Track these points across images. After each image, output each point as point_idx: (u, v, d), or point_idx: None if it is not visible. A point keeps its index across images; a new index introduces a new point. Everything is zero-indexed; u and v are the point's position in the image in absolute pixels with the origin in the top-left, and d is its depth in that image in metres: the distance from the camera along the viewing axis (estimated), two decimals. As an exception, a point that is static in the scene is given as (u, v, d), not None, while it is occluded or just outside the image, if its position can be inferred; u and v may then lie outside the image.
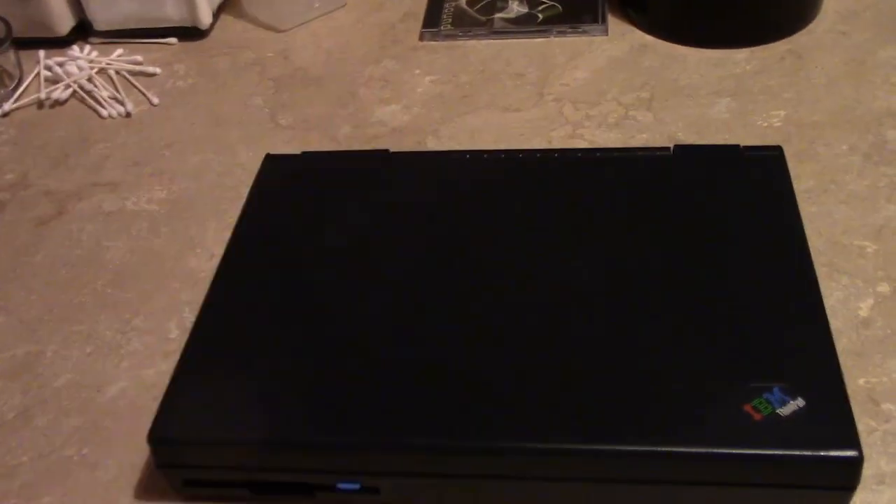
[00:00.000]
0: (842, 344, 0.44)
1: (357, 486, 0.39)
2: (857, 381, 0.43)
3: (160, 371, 0.48)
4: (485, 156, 0.51)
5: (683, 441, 0.36)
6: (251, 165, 0.60)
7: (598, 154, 0.50)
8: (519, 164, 0.50)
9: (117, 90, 0.68)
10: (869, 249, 0.49)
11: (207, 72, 0.69)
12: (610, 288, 0.42)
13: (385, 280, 0.44)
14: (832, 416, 0.36)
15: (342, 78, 0.67)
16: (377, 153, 0.52)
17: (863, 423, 0.41)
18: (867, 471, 0.39)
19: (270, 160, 0.52)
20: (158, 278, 0.53)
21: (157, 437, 0.39)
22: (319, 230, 0.47)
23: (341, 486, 0.39)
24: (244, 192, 0.57)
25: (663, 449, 0.36)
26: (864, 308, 0.46)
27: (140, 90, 0.68)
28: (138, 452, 0.44)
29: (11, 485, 0.43)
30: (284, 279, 0.45)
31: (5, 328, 0.51)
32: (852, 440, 0.35)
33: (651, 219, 0.45)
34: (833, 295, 0.47)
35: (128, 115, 0.66)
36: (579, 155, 0.50)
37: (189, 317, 0.50)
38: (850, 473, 0.35)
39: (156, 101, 0.67)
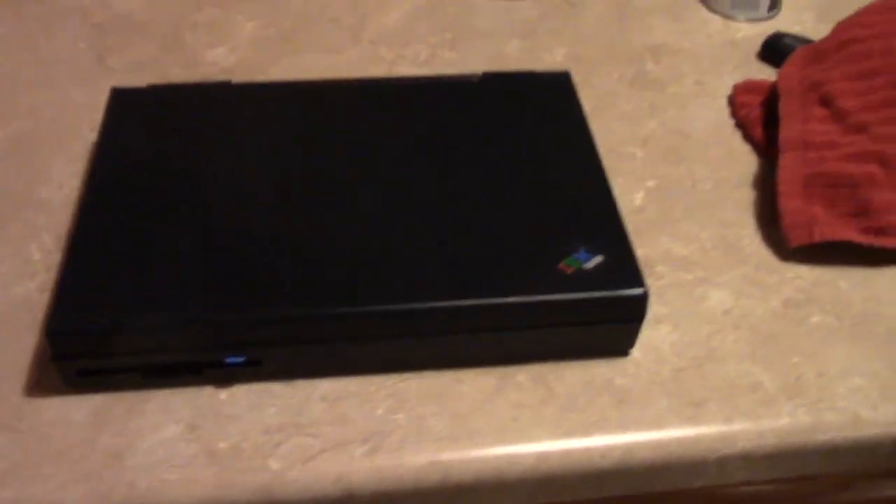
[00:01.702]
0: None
1: (242, 359, 0.45)
2: (637, 253, 0.54)
3: (28, 289, 0.50)
4: (319, 84, 0.57)
5: (517, 292, 0.45)
6: (88, 103, 0.63)
7: (420, 82, 0.58)
8: (351, 91, 0.57)
9: (-70, 36, 0.67)
10: (638, 155, 0.61)
11: (24, 17, 0.70)
12: (441, 187, 0.50)
13: (241, 184, 0.50)
14: (624, 266, 0.46)
15: (166, 24, 0.70)
16: (220, 84, 0.57)
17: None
18: (648, 315, 0.50)
19: (118, 93, 0.56)
20: (10, 209, 0.55)
21: (54, 329, 0.42)
22: (175, 150, 0.52)
23: (229, 360, 0.45)
24: (85, 127, 0.61)
25: (503, 300, 0.45)
26: (638, 198, 0.57)
27: (-46, 36, 0.68)
28: (19, 354, 0.47)
29: None
30: (150, 189, 0.49)
31: None
32: (640, 282, 0.46)
33: (468, 132, 0.54)
34: (613, 190, 0.58)
35: (-55, 60, 0.66)
36: (404, 83, 0.58)
37: (49, 240, 0.53)
38: (638, 307, 0.46)
39: (-27, 46, 0.67)
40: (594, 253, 0.47)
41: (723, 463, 0.46)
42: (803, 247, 0.53)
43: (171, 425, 0.44)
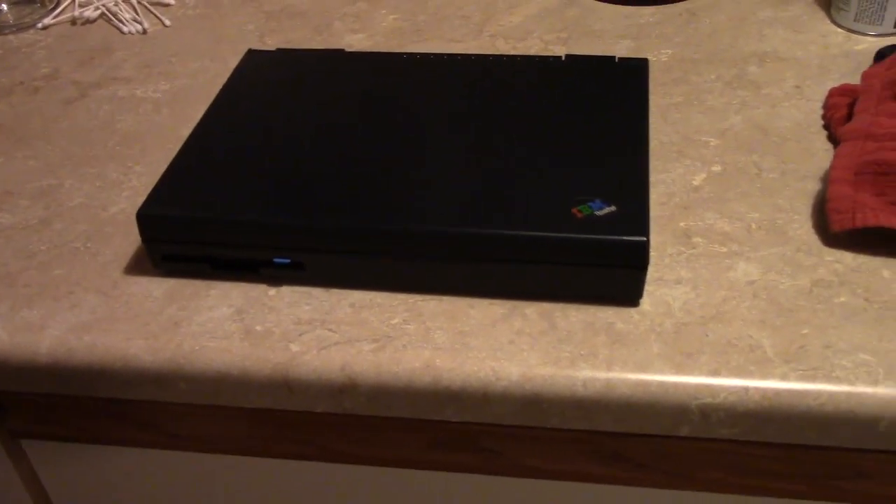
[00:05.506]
0: (674, 201, 0.58)
1: (287, 261, 0.52)
2: (678, 224, 0.56)
3: (151, 199, 0.61)
4: (417, 56, 0.65)
5: (523, 228, 0.49)
6: (239, 70, 0.74)
7: (504, 59, 0.64)
8: (444, 63, 0.64)
9: (137, 13, 0.82)
10: (712, 143, 0.62)
11: (212, 4, 0.84)
12: (494, 139, 0.56)
13: (322, 127, 0.58)
14: (632, 218, 0.49)
15: (322, 13, 0.81)
16: (335, 51, 0.66)
17: (677, 250, 0.54)
18: (670, 275, 0.53)
19: (251, 53, 0.66)
20: (157, 141, 0.67)
21: (143, 214, 0.52)
22: (279, 97, 0.61)
23: (276, 260, 0.52)
24: (231, 86, 0.72)
25: (508, 233, 0.49)
26: (698, 180, 0.59)
27: (156, 15, 0.83)
28: (129, 247, 0.57)
29: (31, 263, 0.57)
30: (248, 123, 0.58)
31: (33, 168, 0.65)
32: (642, 231, 0.48)
33: (538, 99, 0.59)
34: (675, 170, 0.60)
35: (144, 32, 0.80)
36: (495, 57, 0.64)
37: (178, 166, 0.64)
38: (638, 254, 0.48)
39: (168, 23, 0.81)
40: (608, 204, 0.50)
41: (706, 413, 0.47)
42: (849, 234, 0.53)
43: (224, 308, 0.53)
